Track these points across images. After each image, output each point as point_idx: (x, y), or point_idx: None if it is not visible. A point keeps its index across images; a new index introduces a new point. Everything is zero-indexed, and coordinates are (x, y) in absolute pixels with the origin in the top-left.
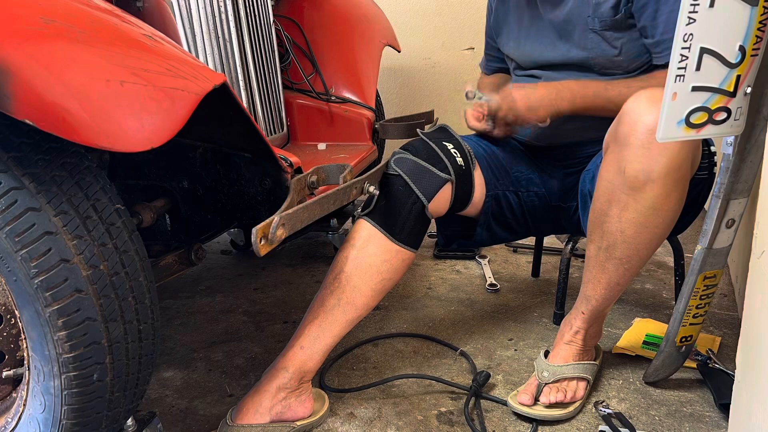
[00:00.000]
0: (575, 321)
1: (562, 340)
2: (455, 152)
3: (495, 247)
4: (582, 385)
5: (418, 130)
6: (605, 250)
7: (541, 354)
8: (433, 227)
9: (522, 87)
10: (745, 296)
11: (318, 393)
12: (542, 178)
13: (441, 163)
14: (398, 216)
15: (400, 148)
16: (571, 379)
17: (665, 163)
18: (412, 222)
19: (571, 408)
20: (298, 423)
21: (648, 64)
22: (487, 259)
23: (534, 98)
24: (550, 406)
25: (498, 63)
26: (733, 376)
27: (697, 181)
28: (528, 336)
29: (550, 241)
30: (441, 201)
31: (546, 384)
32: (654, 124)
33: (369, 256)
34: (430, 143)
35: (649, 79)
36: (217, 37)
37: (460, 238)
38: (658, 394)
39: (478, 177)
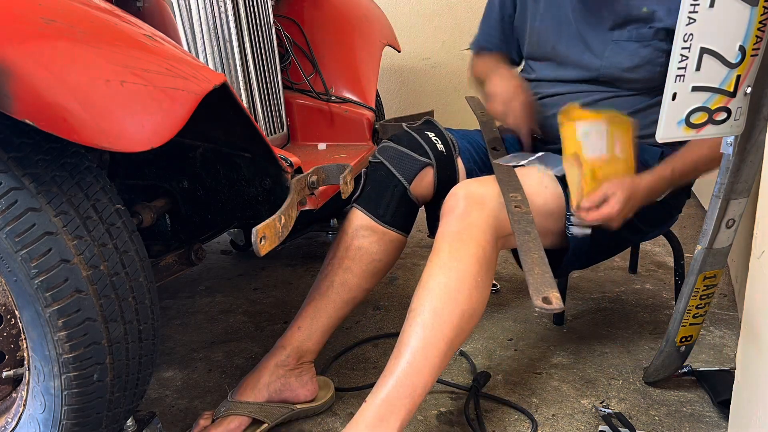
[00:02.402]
0: None
1: None
2: (436, 140)
3: None
4: None
5: (403, 124)
6: None
7: None
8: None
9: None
10: (745, 296)
11: (325, 381)
12: None
13: (421, 149)
14: (382, 200)
15: (385, 139)
16: None
17: None
18: (395, 204)
19: None
20: (298, 406)
21: (650, 91)
22: None
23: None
24: None
25: (496, 42)
26: (728, 372)
27: None
28: (528, 336)
29: None
30: (423, 184)
31: None
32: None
33: (359, 239)
34: (412, 133)
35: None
36: (217, 37)
37: None
38: (658, 394)
39: (461, 167)
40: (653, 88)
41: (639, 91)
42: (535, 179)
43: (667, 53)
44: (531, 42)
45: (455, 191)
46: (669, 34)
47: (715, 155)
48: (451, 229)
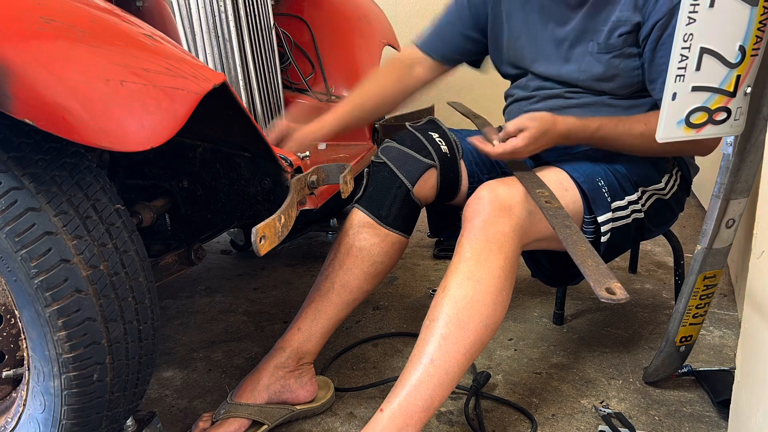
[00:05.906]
0: None
1: None
2: (440, 141)
3: None
4: None
5: (407, 123)
6: None
7: None
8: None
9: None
10: (745, 296)
11: (324, 381)
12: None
13: (425, 150)
14: (385, 201)
15: (388, 139)
16: None
17: None
18: (398, 206)
19: None
20: (298, 407)
21: (635, 94)
22: None
23: (539, 142)
24: None
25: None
26: (727, 372)
27: None
28: (528, 336)
29: None
30: (426, 186)
31: None
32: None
33: (360, 240)
34: (416, 133)
35: (651, 117)
36: (217, 37)
37: (448, 230)
38: (658, 394)
39: (464, 169)
40: (639, 91)
41: (625, 95)
42: (555, 180)
43: (641, 55)
44: (510, 55)
45: (481, 194)
46: (638, 34)
47: (645, 140)
48: (478, 237)
